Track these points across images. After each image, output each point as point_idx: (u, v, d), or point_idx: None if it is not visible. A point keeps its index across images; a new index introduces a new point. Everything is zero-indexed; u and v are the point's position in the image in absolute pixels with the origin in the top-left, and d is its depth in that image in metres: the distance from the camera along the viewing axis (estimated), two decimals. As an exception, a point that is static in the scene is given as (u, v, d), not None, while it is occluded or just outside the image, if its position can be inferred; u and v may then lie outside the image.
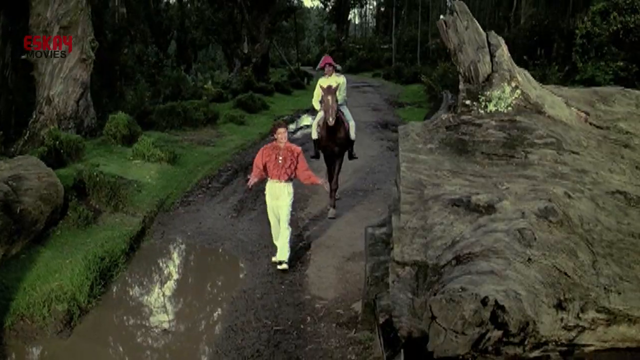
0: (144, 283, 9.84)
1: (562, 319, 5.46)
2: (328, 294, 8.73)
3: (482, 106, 6.17)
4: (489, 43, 6.26)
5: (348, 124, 12.50)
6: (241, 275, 9.84)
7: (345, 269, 9.69)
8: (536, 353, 5.56)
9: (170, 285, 9.83)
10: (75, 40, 18.34)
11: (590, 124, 6.26)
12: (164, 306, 8.93)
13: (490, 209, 5.70)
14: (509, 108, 6.15)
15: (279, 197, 9.78)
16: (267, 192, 9.97)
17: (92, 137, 18.11)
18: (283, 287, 9.09)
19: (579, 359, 5.80)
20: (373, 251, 7.04)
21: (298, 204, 12.54)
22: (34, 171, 10.37)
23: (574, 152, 6.04)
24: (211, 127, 22.35)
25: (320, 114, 12.41)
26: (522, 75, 6.35)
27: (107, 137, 17.46)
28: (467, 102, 6.24)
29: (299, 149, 9.96)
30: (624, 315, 5.55)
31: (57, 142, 14.66)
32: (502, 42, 6.31)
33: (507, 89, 6.12)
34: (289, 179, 9.78)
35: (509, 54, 6.30)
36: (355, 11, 61.75)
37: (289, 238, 9.79)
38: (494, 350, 5.42)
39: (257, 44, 40.72)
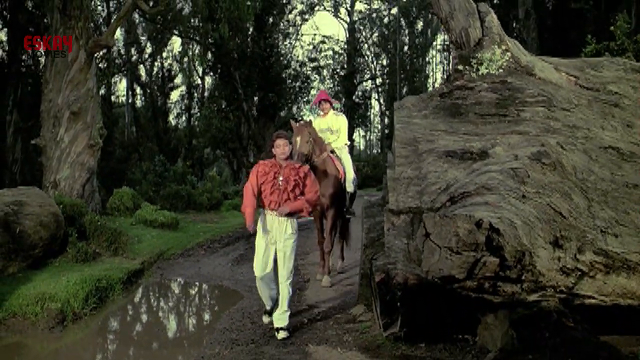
0: (140, 304, 9.72)
1: (559, 258, 5.41)
2: (326, 304, 8.57)
3: (474, 69, 6.35)
4: (478, 11, 6.54)
5: (344, 173, 9.94)
6: (237, 299, 9.68)
7: (342, 283, 9.55)
8: (535, 297, 5.47)
9: (168, 304, 9.74)
10: (84, 127, 18.67)
11: (580, 86, 6.42)
12: (162, 317, 8.81)
13: (483, 154, 5.78)
14: (500, 70, 6.33)
15: (277, 237, 7.04)
16: (259, 229, 7.08)
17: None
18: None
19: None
20: (369, 213, 7.01)
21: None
22: (36, 199, 10.47)
23: (565, 109, 6.17)
24: (215, 212, 22.44)
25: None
26: (513, 43, 6.59)
27: (111, 210, 17.58)
28: (460, 67, 6.43)
29: (307, 167, 7.39)
30: (621, 260, 5.51)
31: (62, 206, 14.78)
32: (492, 11, 6.59)
33: (498, 51, 6.33)
34: None
35: (498, 21, 6.57)
36: (361, 131, 63.48)
37: (289, 298, 7.20)
38: (491, 287, 5.34)
39: (262, 152, 41.49)
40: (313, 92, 45.74)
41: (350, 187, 9.93)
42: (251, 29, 35.38)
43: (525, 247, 5.17)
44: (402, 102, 6.72)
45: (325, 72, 48.62)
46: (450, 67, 6.56)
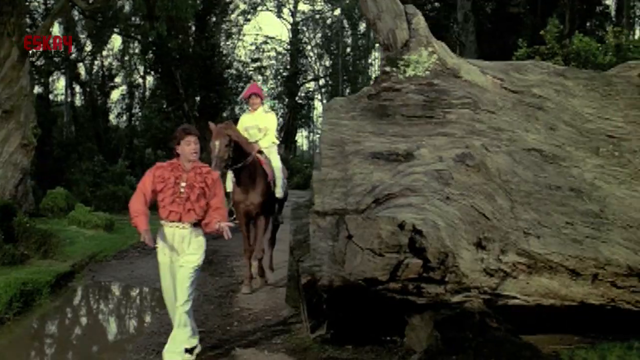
0: (68, 308, 9.47)
1: (482, 259, 5.47)
2: (258, 306, 8.48)
3: (401, 71, 6.36)
4: (406, 12, 6.55)
5: (273, 176, 9.13)
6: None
7: (277, 284, 9.48)
8: (459, 298, 5.52)
9: (97, 307, 9.53)
10: (17, 126, 18.15)
11: (506, 88, 6.50)
12: (90, 321, 8.61)
13: (409, 156, 5.79)
14: (427, 72, 6.36)
15: (179, 253, 5.84)
16: (159, 244, 5.90)
17: (29, 222, 17.71)
18: (212, 307, 8.80)
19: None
20: (296, 214, 6.98)
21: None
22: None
23: (490, 112, 6.23)
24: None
25: None
26: (440, 45, 6.62)
27: (44, 212, 17.13)
28: (387, 68, 6.44)
29: (217, 173, 6.27)
30: (544, 261, 5.59)
31: (-11, 207, 14.35)
32: (419, 12, 6.62)
33: (424, 53, 6.36)
34: (199, 222, 5.86)
35: (425, 23, 6.60)
36: (304, 132, 63.47)
37: (189, 330, 6.08)
38: (415, 289, 5.35)
39: (204, 152, 41.00)
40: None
41: (279, 193, 9.22)
42: (193, 29, 35.02)
43: (448, 249, 5.21)
44: (330, 104, 6.69)
45: (268, 72, 48.53)
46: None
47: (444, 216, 5.29)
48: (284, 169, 9.71)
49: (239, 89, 40.75)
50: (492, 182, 5.73)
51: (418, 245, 5.04)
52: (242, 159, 8.55)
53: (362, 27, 48.50)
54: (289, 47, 48.66)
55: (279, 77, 49.32)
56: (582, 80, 6.75)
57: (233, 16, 41.68)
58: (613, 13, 29.69)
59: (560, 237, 5.65)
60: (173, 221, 5.81)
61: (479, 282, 5.50)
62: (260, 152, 9.15)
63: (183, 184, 5.80)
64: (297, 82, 48.44)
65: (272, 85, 49.45)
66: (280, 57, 49.41)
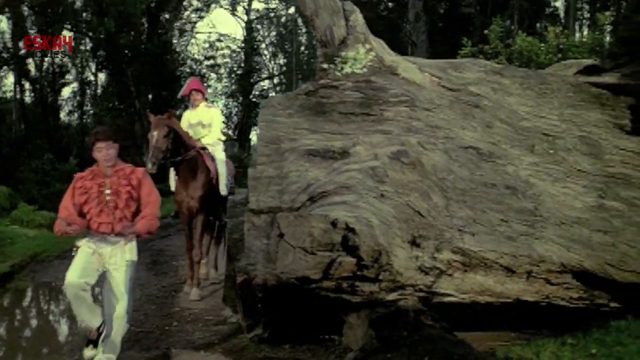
0: (4, 310, 9.25)
1: (417, 257, 5.45)
2: (199, 306, 8.36)
3: (339, 68, 6.32)
4: (344, 9, 6.51)
5: (216, 173, 8.77)
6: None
7: (220, 285, 9.35)
8: (394, 296, 5.51)
9: (36, 308, 9.34)
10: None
11: (443, 86, 6.50)
12: (27, 322, 8.41)
13: (344, 154, 5.75)
14: (364, 69, 6.32)
15: (110, 266, 5.34)
16: (79, 259, 5.26)
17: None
18: (153, 307, 8.66)
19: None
20: (232, 213, 6.89)
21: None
22: None
23: (427, 109, 6.22)
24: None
25: None
26: (378, 42, 6.60)
27: (-17, 210, 16.73)
28: (325, 65, 6.39)
29: (141, 170, 5.57)
30: (479, 258, 5.60)
31: None
32: (357, 9, 6.58)
33: (362, 50, 6.32)
34: None
35: (364, 20, 6.57)
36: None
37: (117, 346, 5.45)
38: (349, 287, 5.31)
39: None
40: (210, 90, 45.23)
41: (223, 190, 8.84)
42: (146, 25, 34.59)
43: (382, 247, 5.18)
44: (268, 101, 6.61)
45: (222, 70, 48.17)
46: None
47: (378, 214, 5.26)
48: (231, 166, 9.42)
49: (193, 87, 40.48)
50: (428, 179, 5.72)
51: (351, 243, 5.01)
52: (182, 152, 8.25)
53: (317, 25, 48.36)
54: (243, 45, 48.33)
55: (233, 75, 48.96)
56: (518, 79, 6.80)
57: (186, 13, 41.21)
58: (562, 14, 30.27)
59: (494, 234, 5.67)
60: (100, 232, 5.32)
61: (414, 280, 5.48)
62: (204, 149, 8.95)
63: (108, 191, 5.35)
64: (252, 80, 48.17)
65: (226, 83, 49.11)
66: (234, 55, 48.98)
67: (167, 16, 37.43)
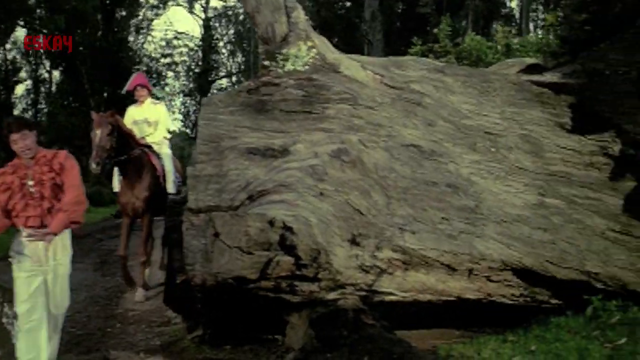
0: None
1: (357, 256, 5.42)
2: (144, 306, 8.23)
3: (280, 65, 6.26)
4: (286, 6, 6.45)
5: (163, 171, 8.65)
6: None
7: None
8: (334, 295, 5.47)
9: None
10: None
11: (385, 84, 6.47)
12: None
13: (285, 152, 5.70)
14: (306, 67, 6.27)
15: (45, 264, 5.06)
16: (15, 258, 5.06)
17: None
18: (97, 308, 8.49)
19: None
20: (171, 212, 6.77)
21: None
22: None
23: (369, 107, 6.19)
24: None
25: None
26: (320, 40, 6.56)
27: None
28: (266, 63, 6.33)
29: (63, 152, 5.20)
30: (419, 256, 5.58)
31: None
32: (299, 6, 6.53)
33: (304, 48, 6.27)
34: None
35: (306, 17, 6.52)
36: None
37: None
38: (288, 287, 5.26)
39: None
40: (167, 89, 44.82)
41: (171, 189, 8.72)
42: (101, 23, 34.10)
43: (320, 246, 5.12)
44: (210, 98, 6.55)
45: (179, 68, 47.79)
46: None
47: (317, 212, 5.21)
48: (177, 163, 9.30)
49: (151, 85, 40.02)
50: (369, 177, 5.69)
51: (289, 242, 4.95)
52: (127, 151, 8.07)
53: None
54: (201, 43, 47.94)
55: (190, 73, 48.58)
56: (460, 77, 6.81)
57: (143, 11, 40.73)
58: (518, 15, 30.64)
59: (435, 232, 5.66)
60: (30, 226, 4.96)
61: (354, 279, 5.45)
62: (150, 147, 8.80)
63: (30, 182, 4.99)
64: (210, 79, 47.84)
65: (184, 82, 48.72)
66: (192, 53, 48.62)
67: (123, 13, 36.93)
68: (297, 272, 5.17)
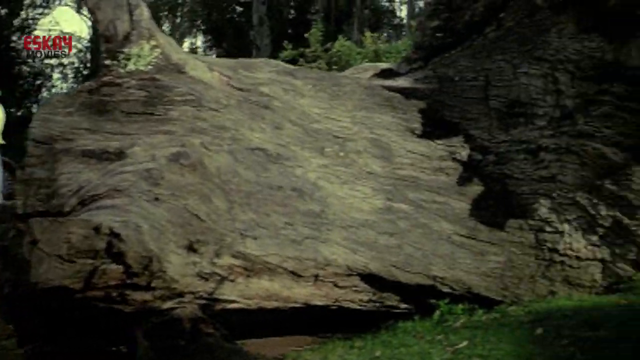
0: None
1: (195, 263, 5.25)
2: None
3: (122, 65, 6.02)
4: (128, 3, 6.22)
5: None
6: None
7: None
8: (171, 304, 5.26)
9: None
10: None
11: (232, 86, 6.34)
12: None
13: (121, 155, 5.49)
14: (150, 67, 6.06)
15: None
16: None
17: None
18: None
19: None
20: (3, 218, 6.42)
21: None
22: None
23: (213, 110, 6.04)
24: None
25: None
26: (165, 39, 6.37)
27: None
28: (108, 62, 6.08)
29: None
30: (262, 263, 5.47)
31: None
32: (143, 3, 6.31)
33: (147, 47, 6.06)
34: None
35: (151, 14, 6.31)
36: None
37: None
38: (119, 297, 5.02)
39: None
40: (54, 90, 43.20)
41: None
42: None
43: (152, 253, 4.90)
44: (48, 99, 6.31)
45: (68, 70, 46.29)
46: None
47: (150, 218, 5.00)
48: (11, 167, 8.74)
49: (36, 87, 38.51)
50: (210, 182, 5.52)
51: (116, 250, 4.70)
52: None
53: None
54: (89, 44, 46.50)
55: (79, 75, 47.11)
56: (311, 80, 6.75)
57: (26, 10, 39.22)
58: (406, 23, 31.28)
59: (278, 238, 5.56)
60: None
61: (193, 287, 5.27)
62: None
63: None
64: (99, 81, 46.54)
65: (72, 83, 47.18)
66: (80, 54, 47.12)
67: (4, 11, 35.54)
68: (128, 281, 4.93)
